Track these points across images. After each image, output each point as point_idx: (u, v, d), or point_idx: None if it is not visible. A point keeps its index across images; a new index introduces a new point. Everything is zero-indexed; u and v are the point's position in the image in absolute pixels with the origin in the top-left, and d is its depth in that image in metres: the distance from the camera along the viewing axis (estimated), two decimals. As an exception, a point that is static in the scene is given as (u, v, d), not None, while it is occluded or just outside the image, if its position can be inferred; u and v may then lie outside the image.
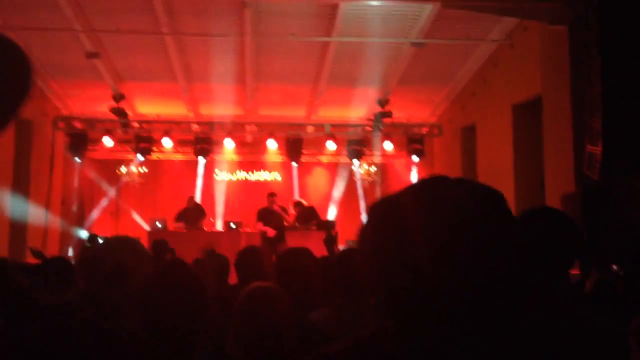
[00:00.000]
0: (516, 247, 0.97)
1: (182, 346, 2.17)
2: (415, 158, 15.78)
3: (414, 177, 15.85)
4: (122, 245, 2.19)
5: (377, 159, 16.58)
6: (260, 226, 12.83)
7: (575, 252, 2.06)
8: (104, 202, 16.11)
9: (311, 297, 2.85)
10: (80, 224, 15.86)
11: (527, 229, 2.02)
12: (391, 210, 1.00)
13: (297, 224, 13.58)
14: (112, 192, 16.09)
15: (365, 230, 1.03)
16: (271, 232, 12.66)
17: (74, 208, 15.61)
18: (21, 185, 13.11)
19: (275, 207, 12.97)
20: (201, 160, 15.87)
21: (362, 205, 16.05)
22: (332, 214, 15.95)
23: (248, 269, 3.71)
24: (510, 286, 0.95)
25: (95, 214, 16.15)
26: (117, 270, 1.97)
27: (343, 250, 3.22)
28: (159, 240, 8.47)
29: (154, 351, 1.90)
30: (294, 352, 2.13)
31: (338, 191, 16.58)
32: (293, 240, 11.55)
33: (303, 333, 2.25)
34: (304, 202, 14.34)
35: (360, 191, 16.34)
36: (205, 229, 14.21)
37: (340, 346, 1.13)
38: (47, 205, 14.22)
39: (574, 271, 7.71)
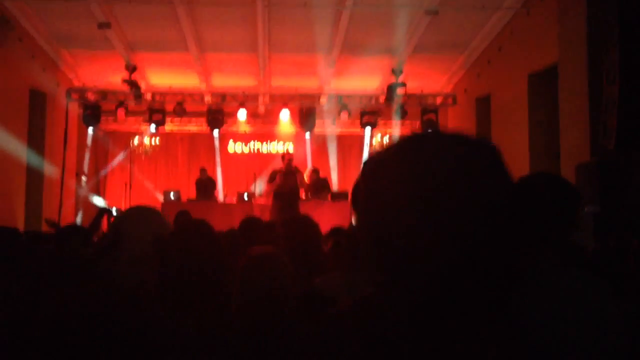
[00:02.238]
0: (509, 202, 0.95)
1: (197, 299, 2.19)
2: (429, 129, 15.69)
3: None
4: (129, 216, 2.19)
5: (393, 129, 16.49)
6: (264, 199, 12.27)
7: (574, 216, 2.03)
8: (110, 167, 16.30)
9: (317, 262, 2.84)
10: (96, 193, 16.03)
11: (523, 194, 1.98)
12: (382, 165, 0.98)
13: (309, 195, 13.55)
14: (125, 163, 16.18)
15: (357, 187, 1.03)
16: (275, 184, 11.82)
17: (85, 178, 15.79)
18: (36, 157, 13.20)
19: (291, 168, 11.96)
20: (215, 132, 15.86)
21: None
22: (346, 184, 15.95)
23: (251, 238, 3.72)
24: (501, 242, 0.94)
25: (98, 178, 16.32)
26: (115, 238, 1.97)
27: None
28: (181, 211, 8.50)
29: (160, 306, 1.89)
30: (296, 316, 2.12)
31: (352, 162, 16.59)
32: (306, 211, 11.50)
33: (307, 298, 2.24)
34: (319, 171, 14.26)
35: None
36: (218, 200, 14.28)
37: (339, 308, 1.15)
38: (62, 176, 14.33)
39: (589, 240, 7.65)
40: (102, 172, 16.48)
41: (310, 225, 3.04)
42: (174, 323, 1.91)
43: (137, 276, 2.07)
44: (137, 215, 2.16)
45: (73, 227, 4.21)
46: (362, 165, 1.04)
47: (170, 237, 2.56)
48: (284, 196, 11.66)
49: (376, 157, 1.02)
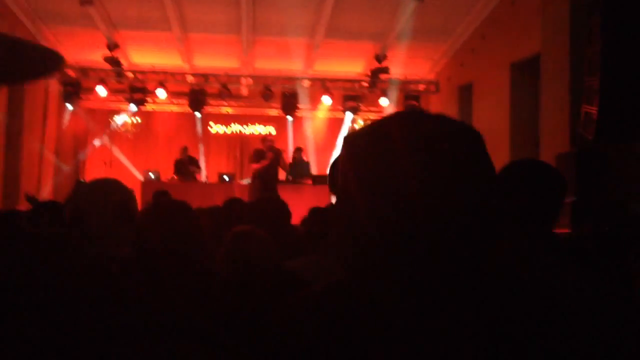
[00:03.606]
0: (494, 191, 0.95)
1: (174, 270, 2.19)
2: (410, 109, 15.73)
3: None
4: (84, 190, 2.16)
5: (374, 115, 16.54)
6: (255, 166, 12.29)
7: (559, 202, 2.05)
8: (94, 145, 16.21)
9: (288, 244, 2.86)
10: (75, 172, 15.89)
11: (509, 180, 2.00)
12: (361, 143, 0.96)
13: (289, 177, 13.52)
14: (105, 141, 16.05)
15: (334, 167, 1.01)
16: (264, 164, 12.06)
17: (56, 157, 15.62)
18: (14, 135, 13.04)
19: (272, 151, 12.19)
20: (197, 114, 15.75)
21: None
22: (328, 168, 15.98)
23: (233, 219, 3.72)
24: (484, 231, 0.93)
25: (83, 156, 16.24)
26: (75, 212, 1.96)
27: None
28: (160, 191, 8.50)
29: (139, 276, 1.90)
30: (271, 296, 2.14)
31: (333, 146, 16.59)
32: (286, 194, 11.47)
33: (279, 279, 2.25)
34: (302, 150, 14.19)
35: (339, 145, 16.33)
36: (199, 180, 14.22)
37: (310, 291, 1.12)
38: (41, 153, 14.18)
39: (565, 230, 7.75)
40: (83, 155, 16.34)
41: (278, 205, 3.04)
42: (154, 299, 1.91)
43: (107, 248, 2.05)
44: (95, 187, 2.13)
45: (49, 203, 4.18)
46: (343, 141, 1.01)
47: (147, 213, 2.56)
48: (263, 178, 11.75)
49: (355, 134, 0.99)
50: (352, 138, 0.99)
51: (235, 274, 2.17)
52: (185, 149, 14.23)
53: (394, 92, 15.49)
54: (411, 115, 0.98)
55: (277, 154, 12.10)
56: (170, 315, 1.98)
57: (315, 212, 3.59)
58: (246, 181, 14.13)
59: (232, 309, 2.14)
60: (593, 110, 8.26)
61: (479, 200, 0.92)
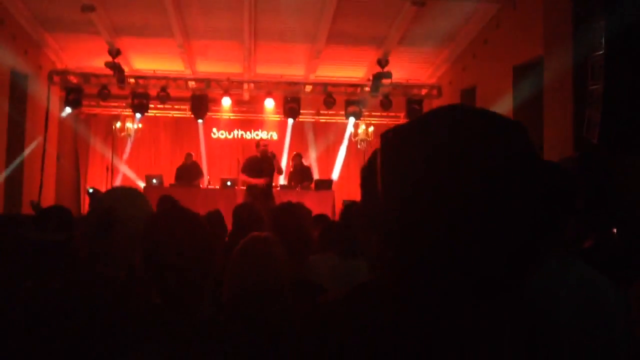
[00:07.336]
0: (541, 187, 0.92)
1: (186, 290, 2.16)
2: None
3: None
4: (117, 195, 2.16)
5: (376, 120, 16.56)
6: (244, 177, 12.04)
7: (573, 204, 2.02)
8: (95, 151, 16.18)
9: (306, 249, 2.84)
10: (76, 176, 15.90)
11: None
12: (404, 141, 0.93)
13: (292, 182, 13.56)
14: (107, 146, 16.05)
15: (370, 165, 0.97)
16: (259, 182, 11.66)
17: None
18: (16, 140, 13.02)
19: (267, 155, 11.83)
20: (199, 119, 15.73)
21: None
22: (334, 174, 16.04)
23: (244, 222, 3.70)
24: (528, 229, 0.90)
25: (90, 168, 16.24)
26: (104, 217, 1.94)
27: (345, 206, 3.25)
28: (166, 196, 8.56)
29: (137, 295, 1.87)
30: (289, 302, 2.11)
31: (336, 151, 16.60)
32: (289, 198, 11.43)
33: (298, 284, 2.23)
34: (303, 159, 14.25)
35: (343, 150, 16.39)
36: (201, 186, 14.22)
37: (336, 295, 1.11)
38: (43, 159, 14.16)
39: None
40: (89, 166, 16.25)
41: (303, 211, 3.03)
42: (162, 312, 1.89)
43: (129, 259, 2.03)
44: (125, 195, 2.13)
45: (55, 208, 4.14)
46: (380, 140, 0.97)
47: (153, 221, 2.51)
48: (258, 187, 11.68)
49: (397, 131, 0.96)
50: (393, 136, 0.96)
51: (246, 282, 2.14)
52: (189, 155, 14.29)
53: (396, 97, 15.49)
54: (453, 111, 0.94)
55: (271, 158, 11.89)
56: (182, 329, 1.96)
57: (321, 218, 3.58)
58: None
59: (248, 318, 2.11)
60: (597, 114, 8.24)
61: (530, 201, 0.89)
